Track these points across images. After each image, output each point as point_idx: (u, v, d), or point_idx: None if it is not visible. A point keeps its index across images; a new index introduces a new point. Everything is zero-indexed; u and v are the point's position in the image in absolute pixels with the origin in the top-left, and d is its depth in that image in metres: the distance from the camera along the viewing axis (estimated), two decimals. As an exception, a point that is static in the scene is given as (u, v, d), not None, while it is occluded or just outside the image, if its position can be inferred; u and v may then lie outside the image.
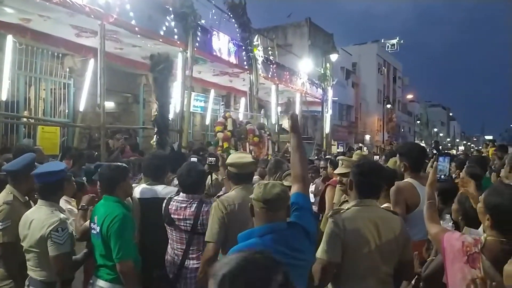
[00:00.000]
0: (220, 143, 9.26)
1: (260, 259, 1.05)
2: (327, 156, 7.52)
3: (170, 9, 8.68)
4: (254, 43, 12.41)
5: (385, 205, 2.95)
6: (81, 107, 9.21)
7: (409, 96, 44.87)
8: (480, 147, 23.07)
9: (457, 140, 76.74)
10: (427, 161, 3.53)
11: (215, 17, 11.50)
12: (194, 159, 4.00)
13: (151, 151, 5.51)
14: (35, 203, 2.94)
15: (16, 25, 7.44)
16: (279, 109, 14.89)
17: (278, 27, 24.34)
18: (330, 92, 18.90)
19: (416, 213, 2.96)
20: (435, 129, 58.88)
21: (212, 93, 13.83)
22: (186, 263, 2.90)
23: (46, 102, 8.84)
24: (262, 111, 14.53)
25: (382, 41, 39.74)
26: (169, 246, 3.02)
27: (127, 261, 2.66)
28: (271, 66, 13.90)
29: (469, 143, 71.15)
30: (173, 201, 2.97)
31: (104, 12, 6.82)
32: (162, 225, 3.02)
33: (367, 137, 32.81)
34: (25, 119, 8.33)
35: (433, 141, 23.02)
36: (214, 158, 4.22)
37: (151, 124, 8.35)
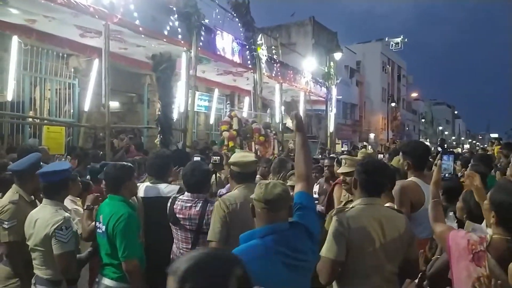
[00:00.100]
0: (226, 142, 9.25)
1: (218, 255, 1.10)
2: (331, 155, 7.49)
3: (174, 9, 8.69)
4: (258, 42, 12.39)
5: (387, 204, 2.93)
6: (86, 107, 9.25)
7: (414, 94, 44.66)
8: (485, 145, 22.94)
9: (463, 138, 76.36)
10: (431, 159, 3.51)
11: (218, 17, 11.51)
12: (197, 158, 4.00)
13: (154, 150, 5.52)
14: (41, 202, 2.95)
15: (21, 26, 7.49)
16: (283, 108, 14.87)
17: (281, 26, 24.28)
18: (334, 91, 18.83)
19: (421, 211, 2.95)
20: (440, 127, 58.64)
21: (216, 92, 13.84)
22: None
23: (51, 102, 8.89)
24: (269, 110, 14.51)
25: (386, 39, 39.59)
26: (174, 246, 3.02)
27: (133, 260, 2.68)
28: (275, 65, 13.88)
29: (474, 141, 70.75)
30: (178, 201, 2.97)
31: (108, 12, 6.84)
32: (165, 224, 3.02)
33: (372, 135, 32.74)
34: (30, 119, 8.39)
35: (439, 139, 22.89)
36: (219, 157, 4.23)
37: (154, 124, 8.37)
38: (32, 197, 3.13)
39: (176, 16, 8.62)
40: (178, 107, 9.57)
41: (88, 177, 4.29)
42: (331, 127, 18.59)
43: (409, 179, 3.21)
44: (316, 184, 5.53)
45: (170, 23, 8.49)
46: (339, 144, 23.10)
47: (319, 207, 4.67)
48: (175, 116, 9.69)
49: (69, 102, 9.27)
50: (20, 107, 8.02)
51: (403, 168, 3.37)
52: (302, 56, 18.09)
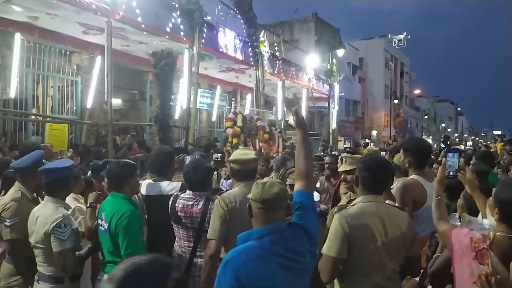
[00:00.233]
0: (230, 139, 9.23)
1: (153, 260, 1.12)
2: (333, 152, 7.46)
3: (176, 5, 8.69)
4: (260, 39, 12.37)
5: (386, 202, 2.92)
6: (89, 104, 9.28)
7: (417, 91, 44.49)
8: (488, 142, 22.87)
9: (465, 135, 76.07)
10: (433, 156, 3.49)
11: (221, 13, 11.51)
12: (197, 155, 4.00)
13: (156, 147, 5.53)
14: (43, 200, 2.96)
15: (24, 23, 7.50)
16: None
17: (284, 23, 24.19)
18: (336, 88, 18.80)
19: (423, 210, 2.93)
20: (443, 124, 58.44)
21: (219, 89, 13.84)
22: (194, 260, 2.89)
23: (54, 100, 8.92)
24: (274, 108, 14.49)
25: (389, 36, 39.39)
26: (176, 244, 3.02)
27: (135, 257, 2.67)
28: (277, 62, 13.86)
29: (477, 138, 70.55)
30: (180, 199, 2.96)
31: (110, 9, 6.85)
32: (166, 222, 3.01)
33: (374, 132, 32.66)
34: (33, 117, 8.42)
35: (443, 136, 22.78)
36: (220, 154, 4.21)
37: (153, 121, 8.35)
38: (35, 194, 3.13)
39: (178, 13, 8.62)
40: (180, 104, 9.56)
41: (89, 173, 4.30)
42: (333, 124, 18.56)
43: (410, 177, 3.18)
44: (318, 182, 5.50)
45: (173, 20, 8.49)
46: (341, 141, 23.02)
47: (321, 206, 4.65)
48: (177, 113, 9.69)
49: (71, 99, 9.30)
50: (23, 105, 8.05)
51: (404, 165, 3.35)
52: (304, 53, 18.06)
